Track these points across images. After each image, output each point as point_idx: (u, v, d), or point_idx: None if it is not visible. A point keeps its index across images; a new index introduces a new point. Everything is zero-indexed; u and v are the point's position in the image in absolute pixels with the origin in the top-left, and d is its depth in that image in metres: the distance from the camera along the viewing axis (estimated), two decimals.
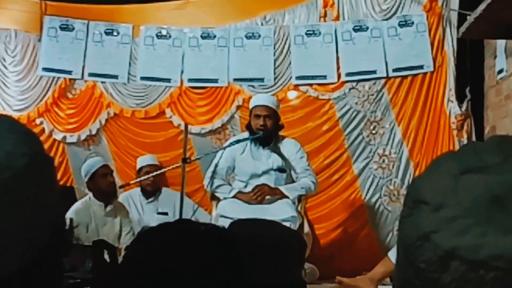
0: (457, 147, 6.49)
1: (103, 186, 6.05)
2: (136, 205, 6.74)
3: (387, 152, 6.86)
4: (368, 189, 6.88)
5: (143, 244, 1.32)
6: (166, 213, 6.66)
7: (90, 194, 6.10)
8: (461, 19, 6.11)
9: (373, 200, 6.86)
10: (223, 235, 1.33)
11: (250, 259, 1.65)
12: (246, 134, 5.94)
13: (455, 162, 0.88)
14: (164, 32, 7.29)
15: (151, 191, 6.77)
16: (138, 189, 6.81)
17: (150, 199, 6.77)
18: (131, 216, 6.40)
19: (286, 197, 5.62)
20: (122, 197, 6.61)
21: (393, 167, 6.84)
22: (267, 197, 5.61)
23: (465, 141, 6.54)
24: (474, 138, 6.54)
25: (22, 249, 0.95)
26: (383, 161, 6.87)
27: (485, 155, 0.87)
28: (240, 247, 1.32)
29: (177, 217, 6.33)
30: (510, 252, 0.78)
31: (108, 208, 6.09)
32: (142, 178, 6.47)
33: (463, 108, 6.61)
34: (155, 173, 6.33)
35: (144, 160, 6.90)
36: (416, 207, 0.87)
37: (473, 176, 0.84)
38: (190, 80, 7.21)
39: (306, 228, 6.40)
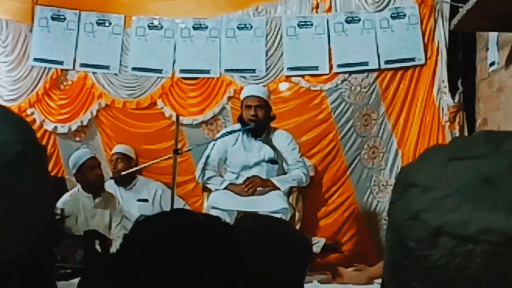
0: (448, 139, 6.53)
1: (91, 178, 6.06)
2: (116, 194, 6.68)
3: (377, 143, 6.90)
4: (358, 179, 6.91)
5: (140, 234, 1.31)
6: (146, 200, 6.67)
7: (79, 186, 6.10)
8: (453, 11, 6.11)
9: (363, 189, 6.90)
10: (221, 225, 1.33)
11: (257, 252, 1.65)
12: (238, 126, 5.95)
13: (443, 152, 0.89)
14: (156, 23, 7.27)
15: (122, 180, 6.72)
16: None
17: (128, 187, 6.73)
18: None
19: (278, 188, 5.62)
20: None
21: (382, 158, 6.88)
22: (259, 188, 5.62)
23: (457, 133, 6.57)
24: (466, 130, 6.57)
25: (14, 237, 0.94)
26: (373, 152, 6.90)
27: (472, 147, 0.88)
28: (245, 239, 1.31)
29: (157, 204, 6.38)
30: (499, 226, 0.79)
31: (97, 200, 6.09)
32: (134, 168, 6.47)
33: (455, 100, 6.63)
34: (147, 164, 6.31)
35: (115, 148, 6.89)
36: (405, 191, 0.88)
37: (462, 162, 0.86)
38: (182, 71, 7.19)
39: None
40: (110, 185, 6.66)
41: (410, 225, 0.84)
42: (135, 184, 6.77)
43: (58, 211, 1.09)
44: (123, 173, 6.41)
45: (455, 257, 0.80)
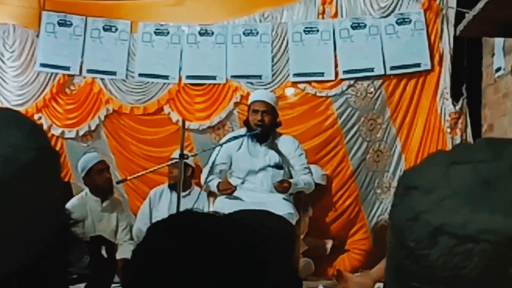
0: (449, 144, 6.54)
1: (100, 182, 6.07)
2: (167, 198, 6.64)
3: (381, 147, 6.91)
4: (363, 182, 6.94)
5: (145, 239, 1.32)
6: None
7: (87, 190, 6.11)
8: (459, 16, 6.11)
9: (367, 192, 6.93)
10: (231, 225, 1.33)
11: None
12: (243, 131, 5.95)
13: (446, 156, 0.91)
14: (162, 29, 7.29)
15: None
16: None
17: (183, 194, 6.50)
18: (163, 209, 6.39)
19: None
20: (156, 189, 6.67)
21: (386, 161, 6.90)
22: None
23: (458, 139, 6.58)
24: (469, 136, 6.57)
25: (28, 242, 0.95)
26: (377, 155, 6.92)
27: (474, 153, 0.89)
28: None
29: None
30: (498, 227, 0.80)
31: (105, 204, 6.10)
32: (139, 174, 6.46)
33: (458, 107, 6.63)
34: (149, 170, 6.28)
35: (174, 154, 6.52)
36: (406, 193, 0.89)
37: (463, 166, 0.87)
38: (188, 77, 7.21)
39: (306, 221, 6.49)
40: (159, 189, 6.68)
41: (410, 225, 0.86)
42: (190, 193, 6.57)
43: (72, 216, 1.10)
44: (129, 178, 6.41)
45: (454, 256, 0.82)
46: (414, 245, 0.85)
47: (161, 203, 6.58)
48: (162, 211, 6.45)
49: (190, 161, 6.54)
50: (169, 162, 6.28)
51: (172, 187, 6.51)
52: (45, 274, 1.00)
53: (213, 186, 5.78)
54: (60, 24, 7.32)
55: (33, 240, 0.96)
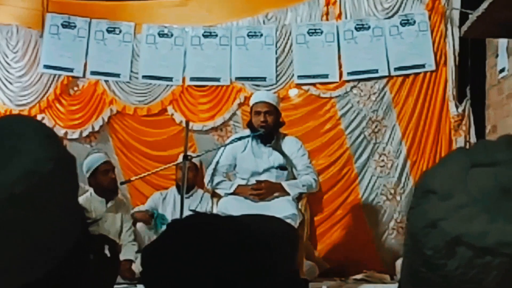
0: (454, 146, 6.51)
1: (104, 182, 6.07)
2: (172, 200, 6.65)
3: (386, 151, 6.87)
4: (366, 187, 6.89)
5: (160, 239, 1.33)
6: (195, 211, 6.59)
7: (91, 190, 6.11)
8: (463, 18, 6.11)
9: (371, 198, 6.87)
10: (237, 227, 1.33)
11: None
12: (247, 132, 5.94)
13: (465, 157, 0.89)
14: (166, 31, 7.29)
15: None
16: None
17: (187, 195, 6.40)
18: (167, 211, 6.40)
19: (287, 193, 5.62)
20: (157, 192, 6.69)
21: (391, 166, 6.85)
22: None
23: (462, 140, 6.55)
24: (472, 138, 6.55)
25: (52, 250, 0.96)
26: (382, 160, 6.87)
27: (495, 153, 0.87)
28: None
29: None
30: None
31: (109, 204, 6.10)
32: (143, 175, 6.46)
33: (461, 108, 6.61)
34: (152, 171, 6.28)
35: None
36: (424, 197, 0.87)
37: (483, 169, 0.85)
38: (192, 79, 7.20)
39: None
40: (163, 193, 6.71)
41: (428, 233, 0.84)
42: (193, 194, 6.57)
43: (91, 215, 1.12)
44: (133, 178, 6.41)
45: (473, 268, 0.80)
46: (431, 253, 0.83)
47: (166, 205, 6.57)
48: (167, 214, 6.45)
49: (196, 161, 6.56)
50: (172, 164, 6.27)
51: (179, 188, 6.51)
52: (69, 276, 1.02)
53: (225, 188, 5.76)
54: (64, 26, 7.31)
55: (57, 247, 0.97)
